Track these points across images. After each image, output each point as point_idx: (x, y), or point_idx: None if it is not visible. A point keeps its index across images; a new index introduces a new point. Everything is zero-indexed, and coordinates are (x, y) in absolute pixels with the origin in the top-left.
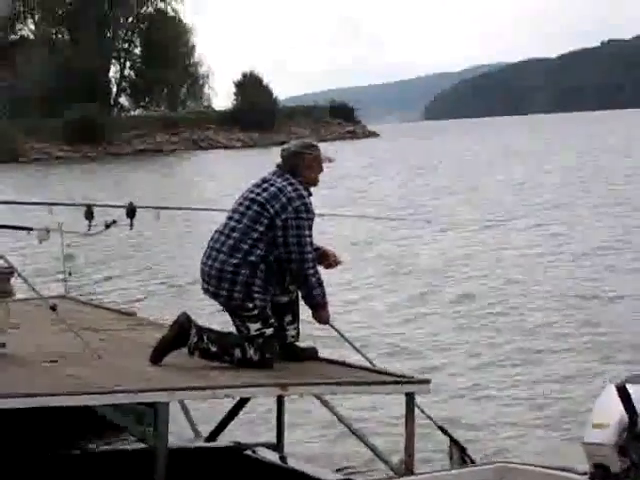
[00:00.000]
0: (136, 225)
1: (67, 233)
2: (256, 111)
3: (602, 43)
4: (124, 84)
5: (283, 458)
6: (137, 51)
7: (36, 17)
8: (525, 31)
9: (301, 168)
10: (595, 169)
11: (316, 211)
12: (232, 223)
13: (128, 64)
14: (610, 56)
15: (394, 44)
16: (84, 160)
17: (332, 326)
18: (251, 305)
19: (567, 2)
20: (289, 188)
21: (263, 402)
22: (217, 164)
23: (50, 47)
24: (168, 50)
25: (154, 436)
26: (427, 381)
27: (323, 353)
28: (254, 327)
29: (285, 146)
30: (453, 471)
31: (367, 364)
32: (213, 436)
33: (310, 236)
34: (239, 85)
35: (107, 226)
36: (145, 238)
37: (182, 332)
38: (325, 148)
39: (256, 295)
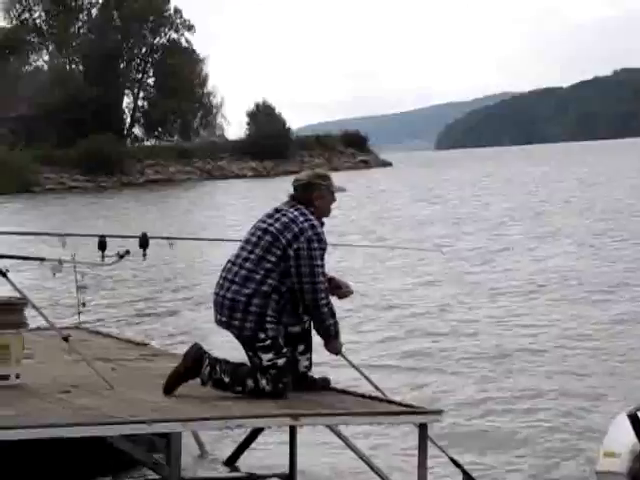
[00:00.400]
0: (149, 255)
1: (80, 264)
2: (269, 140)
3: (614, 71)
4: (137, 114)
5: None
6: (150, 81)
7: (50, 48)
8: (536, 60)
9: (313, 198)
10: (596, 200)
11: (328, 241)
12: (244, 253)
13: (141, 94)
14: (622, 84)
15: (406, 74)
16: (98, 190)
17: (344, 356)
18: (263, 335)
19: (579, 31)
20: (301, 218)
21: (276, 432)
22: (230, 194)
23: (64, 78)
24: (181, 80)
25: (167, 466)
26: (439, 411)
27: (335, 383)
28: (266, 357)
29: (297, 176)
30: None
31: (379, 394)
32: (226, 466)
33: (322, 266)
34: (252, 115)
35: (120, 257)
36: (158, 269)
37: (195, 363)
38: (337, 178)
39: (268, 325)
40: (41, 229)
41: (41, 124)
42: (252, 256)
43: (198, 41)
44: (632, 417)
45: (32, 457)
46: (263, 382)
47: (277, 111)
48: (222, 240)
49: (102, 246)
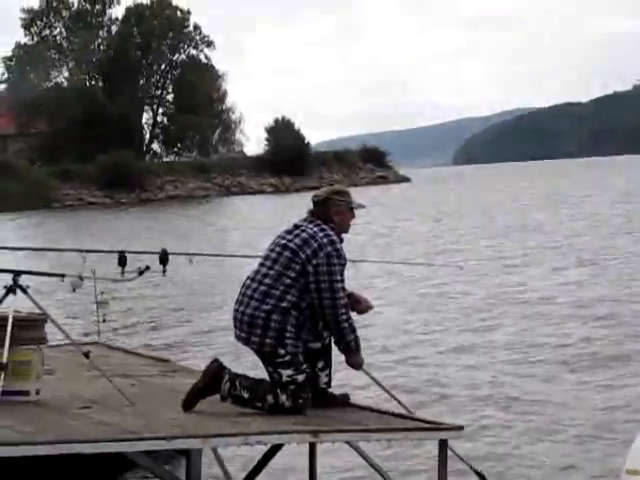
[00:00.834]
0: (169, 271)
1: (100, 280)
2: (287, 156)
3: (634, 86)
4: (156, 130)
5: None
6: (170, 97)
7: (70, 64)
8: (556, 75)
9: (332, 214)
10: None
11: (347, 256)
12: (264, 270)
13: (161, 110)
14: None
15: (425, 89)
16: (117, 206)
17: (366, 372)
18: (283, 351)
19: (598, 46)
20: (320, 234)
21: (295, 448)
22: (249, 210)
23: (84, 94)
24: (200, 96)
25: None
26: (460, 427)
27: (355, 399)
28: (286, 373)
29: (316, 192)
30: None
31: (400, 409)
32: None
33: (342, 281)
34: (271, 130)
35: (140, 273)
36: (178, 285)
37: (215, 379)
38: (356, 193)
39: (288, 341)
40: (61, 245)
41: (61, 140)
42: (271, 272)
43: (218, 57)
44: None
45: (53, 472)
46: (283, 398)
47: (296, 127)
48: (241, 256)
49: (122, 262)
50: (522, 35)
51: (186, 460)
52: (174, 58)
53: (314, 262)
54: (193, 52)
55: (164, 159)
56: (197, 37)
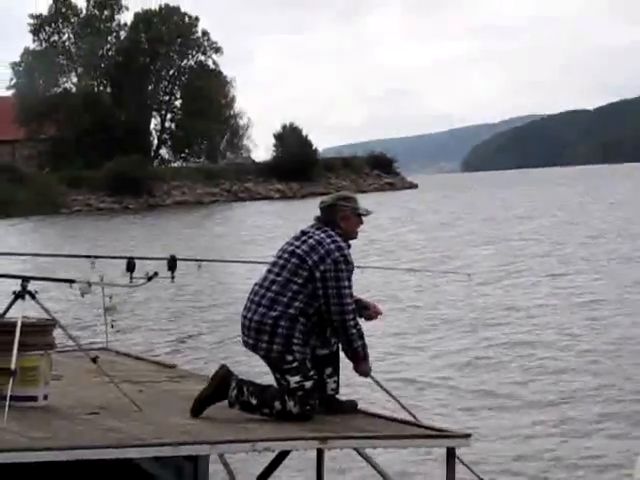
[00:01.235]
0: (177, 277)
1: (109, 286)
2: (295, 162)
3: None
4: (164, 136)
5: None
6: (178, 103)
7: (78, 70)
8: (563, 83)
9: (339, 220)
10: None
11: (355, 263)
12: (271, 276)
13: (169, 116)
14: None
15: (432, 95)
16: (125, 211)
17: (373, 378)
18: (290, 358)
19: (605, 53)
20: (328, 240)
21: (303, 455)
22: (256, 215)
23: (92, 100)
24: (208, 102)
25: None
26: (468, 435)
27: (363, 406)
28: (294, 380)
29: (323, 199)
30: None
31: (408, 416)
32: None
33: (350, 287)
34: (279, 137)
35: (149, 279)
36: (186, 291)
37: (222, 385)
38: (363, 199)
39: (295, 348)
40: (70, 251)
41: (69, 146)
42: (279, 279)
43: (226, 63)
44: None
45: (59, 479)
46: (290, 404)
47: (304, 133)
48: (249, 262)
49: (130, 268)
50: (529, 43)
51: (193, 466)
52: (182, 64)
53: (322, 268)
54: (201, 58)
55: (172, 165)
56: (205, 43)
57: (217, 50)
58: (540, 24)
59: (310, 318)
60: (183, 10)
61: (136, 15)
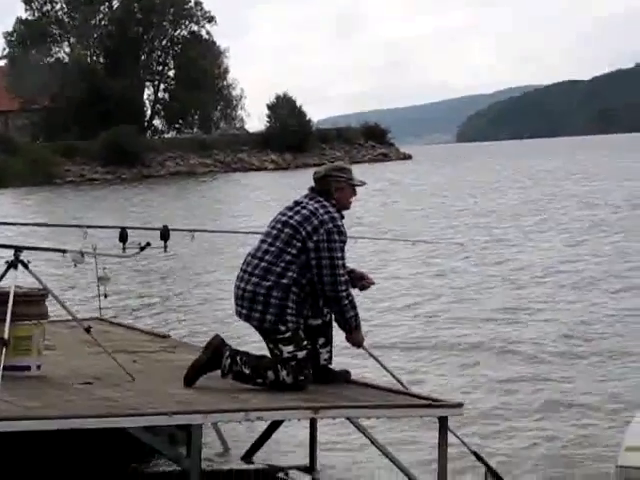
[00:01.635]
0: (170, 247)
1: (101, 255)
2: (289, 133)
3: (637, 64)
4: (158, 106)
5: None
6: (171, 74)
7: (71, 40)
8: (558, 53)
9: (333, 191)
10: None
11: (348, 233)
12: (265, 246)
13: (162, 87)
14: None
15: (427, 66)
16: (118, 182)
17: (365, 349)
18: (284, 328)
19: (600, 24)
20: (321, 210)
21: (296, 424)
22: (250, 186)
23: (85, 70)
24: (201, 72)
25: (187, 458)
26: (460, 404)
27: (356, 376)
28: (287, 350)
29: (317, 169)
30: None
31: (400, 387)
32: (246, 458)
33: (343, 258)
34: (272, 107)
35: (141, 249)
36: (178, 260)
37: (215, 354)
38: (357, 170)
39: (289, 318)
40: (63, 221)
41: (62, 116)
42: (272, 249)
43: (219, 33)
44: None
45: (53, 448)
46: (283, 374)
47: (298, 103)
48: (242, 232)
49: (123, 238)
50: (526, 13)
51: (187, 435)
52: (175, 34)
53: (315, 238)
54: (194, 28)
55: (165, 135)
56: (198, 13)
57: (210, 20)
58: None
59: (303, 288)
60: None
61: None
